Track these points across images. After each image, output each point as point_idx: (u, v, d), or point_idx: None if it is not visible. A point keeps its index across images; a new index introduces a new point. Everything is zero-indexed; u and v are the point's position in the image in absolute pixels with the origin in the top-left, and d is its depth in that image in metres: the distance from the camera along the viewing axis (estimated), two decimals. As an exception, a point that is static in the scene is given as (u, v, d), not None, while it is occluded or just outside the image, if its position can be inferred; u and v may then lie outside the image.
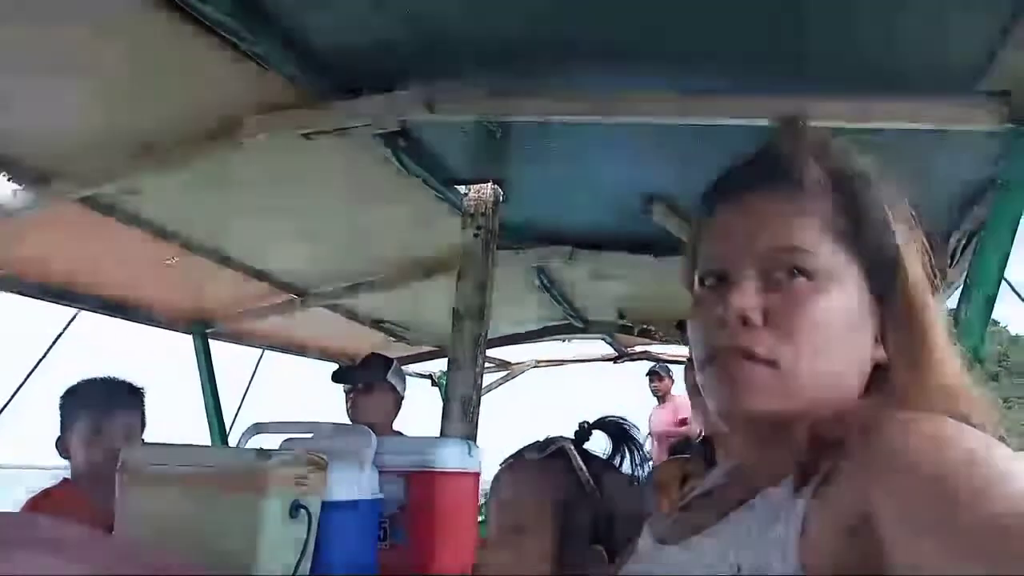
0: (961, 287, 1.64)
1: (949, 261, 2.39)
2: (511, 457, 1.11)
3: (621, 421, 1.14)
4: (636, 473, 1.10)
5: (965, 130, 1.56)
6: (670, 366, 5.74)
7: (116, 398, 1.98)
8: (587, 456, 1.07)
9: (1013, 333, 41.81)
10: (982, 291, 1.59)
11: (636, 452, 1.12)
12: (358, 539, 1.50)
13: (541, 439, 1.10)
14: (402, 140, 2.20)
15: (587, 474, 1.03)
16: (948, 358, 0.65)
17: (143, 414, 2.04)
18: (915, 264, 0.67)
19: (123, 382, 2.05)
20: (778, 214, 0.66)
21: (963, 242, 2.22)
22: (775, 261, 0.65)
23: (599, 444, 1.12)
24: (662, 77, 1.83)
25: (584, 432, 1.11)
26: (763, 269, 0.65)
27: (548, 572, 0.99)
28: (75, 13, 1.56)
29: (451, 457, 1.69)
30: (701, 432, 2.04)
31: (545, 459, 1.05)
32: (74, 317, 3.38)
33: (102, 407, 1.93)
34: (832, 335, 0.63)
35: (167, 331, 3.78)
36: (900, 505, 0.49)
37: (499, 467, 1.12)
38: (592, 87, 1.88)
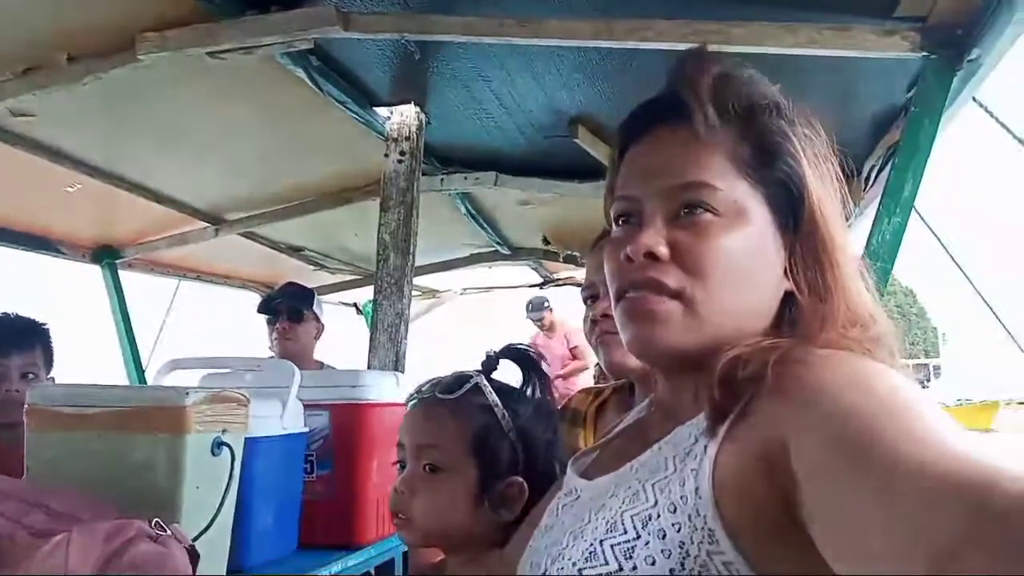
0: (875, 212, 1.68)
1: (863, 186, 2.46)
2: (420, 394, 1.08)
3: (527, 348, 1.12)
4: (546, 399, 1.10)
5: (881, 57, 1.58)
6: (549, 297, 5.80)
7: (12, 337, 1.87)
8: (500, 388, 1.06)
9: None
10: (894, 216, 1.64)
11: (543, 379, 1.11)
12: (283, 473, 1.48)
13: (449, 374, 1.07)
14: (315, 59, 2.08)
15: (503, 408, 1.03)
16: (855, 288, 0.66)
17: (48, 352, 1.94)
18: (823, 194, 0.67)
19: (21, 319, 1.94)
20: (682, 150, 0.66)
21: (877, 168, 2.29)
22: (680, 198, 0.66)
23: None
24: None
25: (492, 361, 1.09)
26: (669, 206, 0.66)
27: (470, 509, 0.99)
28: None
29: (377, 389, 1.68)
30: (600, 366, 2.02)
31: (460, 396, 1.03)
32: (-31, 250, 3.17)
33: None
34: (739, 268, 0.64)
35: (73, 262, 3.58)
36: (814, 442, 0.50)
37: (409, 405, 1.09)
38: (514, 7, 1.81)
